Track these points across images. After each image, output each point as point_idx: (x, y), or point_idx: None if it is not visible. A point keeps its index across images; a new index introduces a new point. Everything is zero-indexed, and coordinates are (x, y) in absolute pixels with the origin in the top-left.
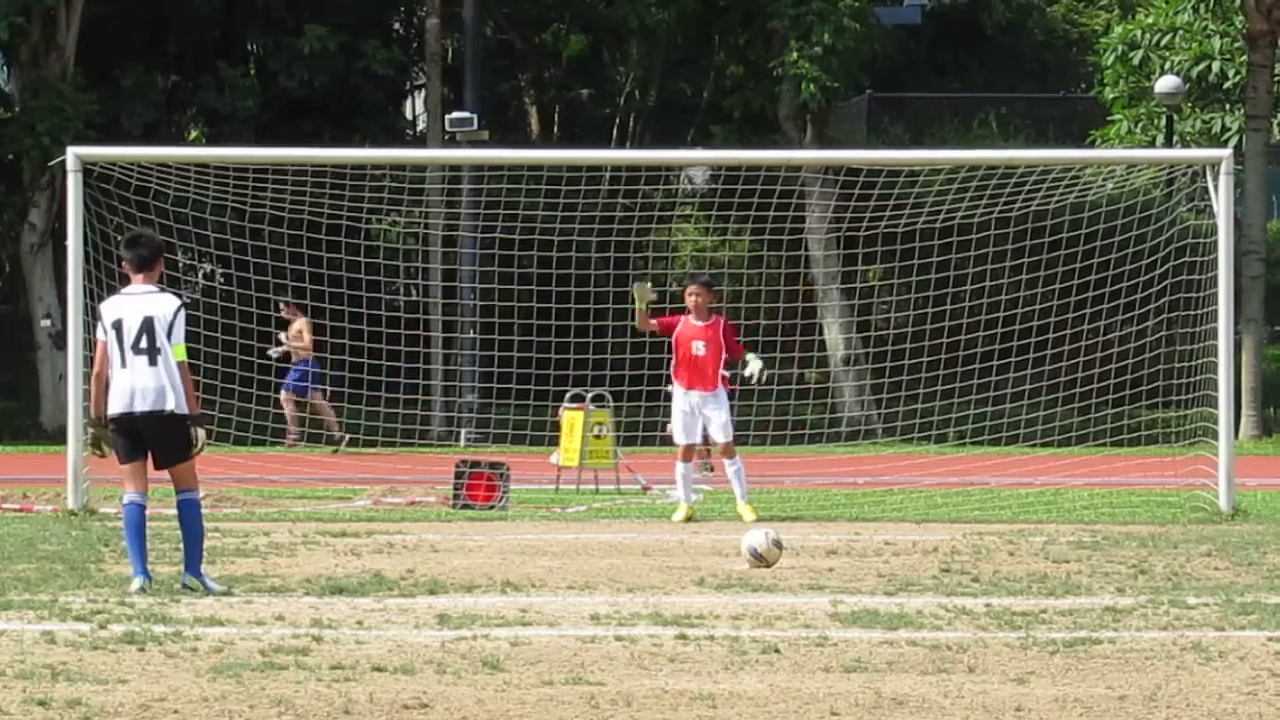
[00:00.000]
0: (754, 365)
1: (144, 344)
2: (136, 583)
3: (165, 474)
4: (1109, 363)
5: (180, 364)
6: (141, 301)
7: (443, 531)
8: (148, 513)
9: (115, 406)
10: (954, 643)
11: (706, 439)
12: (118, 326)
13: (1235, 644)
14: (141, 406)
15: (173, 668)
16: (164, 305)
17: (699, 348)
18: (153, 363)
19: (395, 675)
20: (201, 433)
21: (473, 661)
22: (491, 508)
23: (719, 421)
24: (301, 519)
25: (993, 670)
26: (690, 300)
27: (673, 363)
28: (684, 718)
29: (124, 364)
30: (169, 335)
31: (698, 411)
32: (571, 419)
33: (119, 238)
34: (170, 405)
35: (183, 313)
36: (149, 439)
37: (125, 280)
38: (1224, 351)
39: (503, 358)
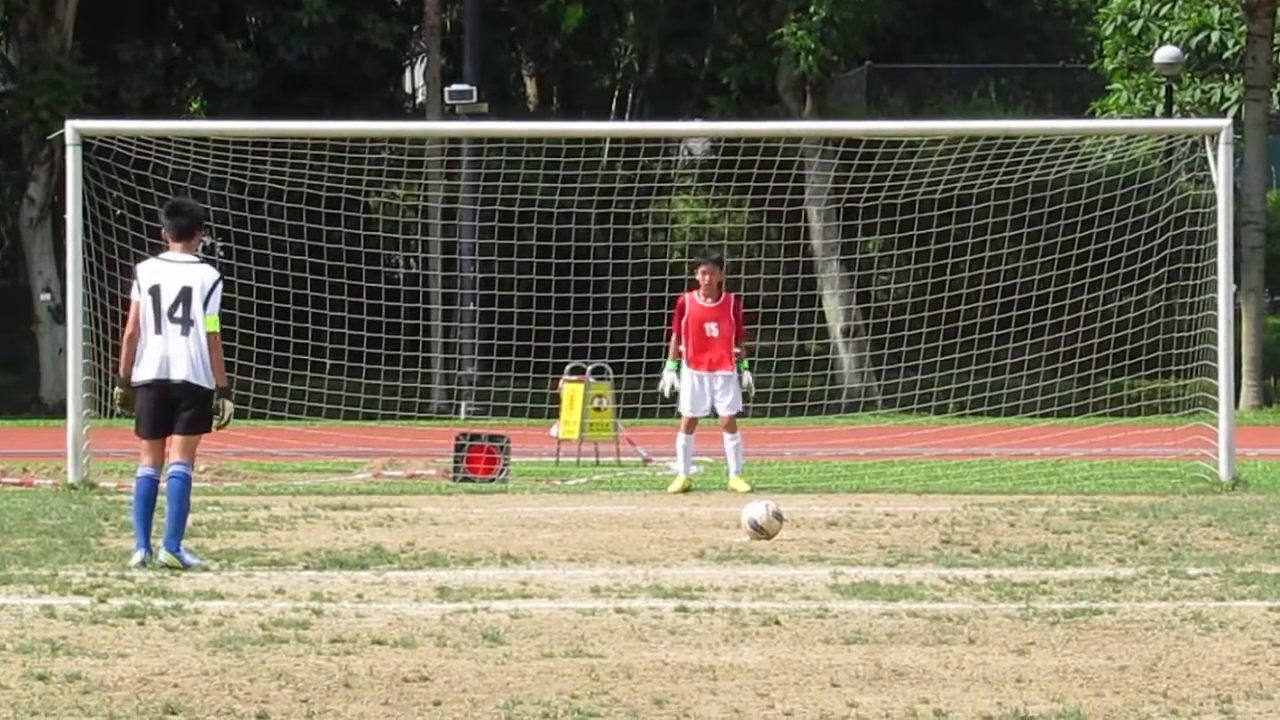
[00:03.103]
0: (746, 379)
1: (179, 313)
2: (138, 556)
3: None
4: (1109, 333)
5: (211, 335)
6: (181, 270)
7: (443, 504)
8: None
9: (145, 373)
10: (954, 614)
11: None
12: (155, 292)
13: (1235, 614)
14: (176, 375)
15: (172, 641)
16: (203, 276)
17: (712, 329)
18: (185, 333)
19: (395, 648)
20: (229, 405)
21: (473, 634)
22: (492, 480)
23: (728, 399)
24: (301, 492)
25: (993, 641)
26: (703, 279)
27: (684, 347)
28: (684, 690)
29: (158, 330)
30: (205, 306)
31: (709, 387)
32: (571, 391)
33: (119, 211)
34: (199, 378)
35: (220, 285)
36: (178, 407)
37: (156, 250)
38: (1224, 321)
39: (502, 330)
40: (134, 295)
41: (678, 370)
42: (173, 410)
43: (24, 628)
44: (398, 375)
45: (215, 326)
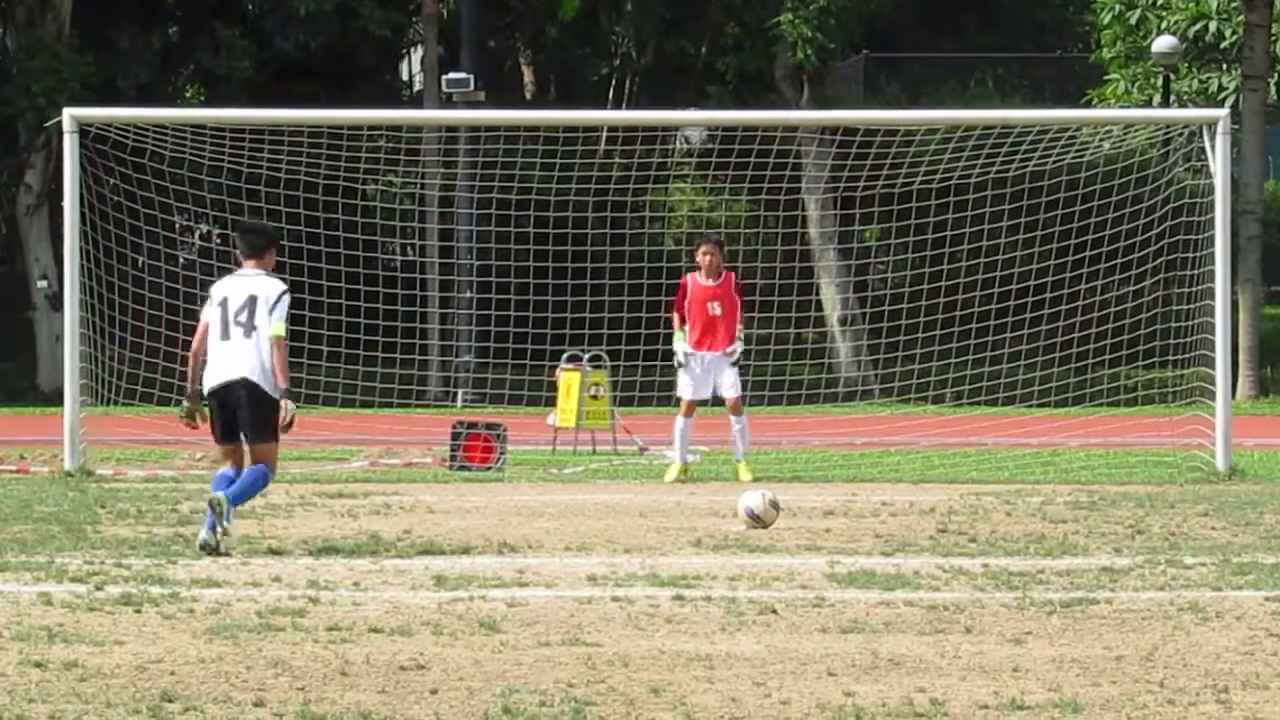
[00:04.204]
0: (737, 347)
1: (243, 318)
2: (202, 536)
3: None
4: (1106, 323)
5: (276, 339)
6: (249, 282)
7: (439, 493)
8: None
9: (212, 379)
10: (951, 603)
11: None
12: (224, 304)
13: (1232, 604)
14: (237, 374)
15: (169, 629)
16: (270, 287)
17: (715, 308)
18: (248, 335)
19: (392, 636)
20: (290, 406)
21: (469, 623)
22: (488, 469)
23: (730, 379)
24: (298, 480)
25: (990, 631)
26: (704, 259)
27: (687, 327)
28: (681, 678)
29: (225, 336)
30: (270, 313)
31: (710, 369)
32: (568, 380)
33: (115, 198)
34: (258, 378)
35: (287, 297)
36: (240, 410)
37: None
38: (1221, 311)
39: (499, 318)
40: (204, 312)
41: (685, 339)
42: (233, 416)
43: (21, 615)
44: (394, 363)
45: (281, 331)
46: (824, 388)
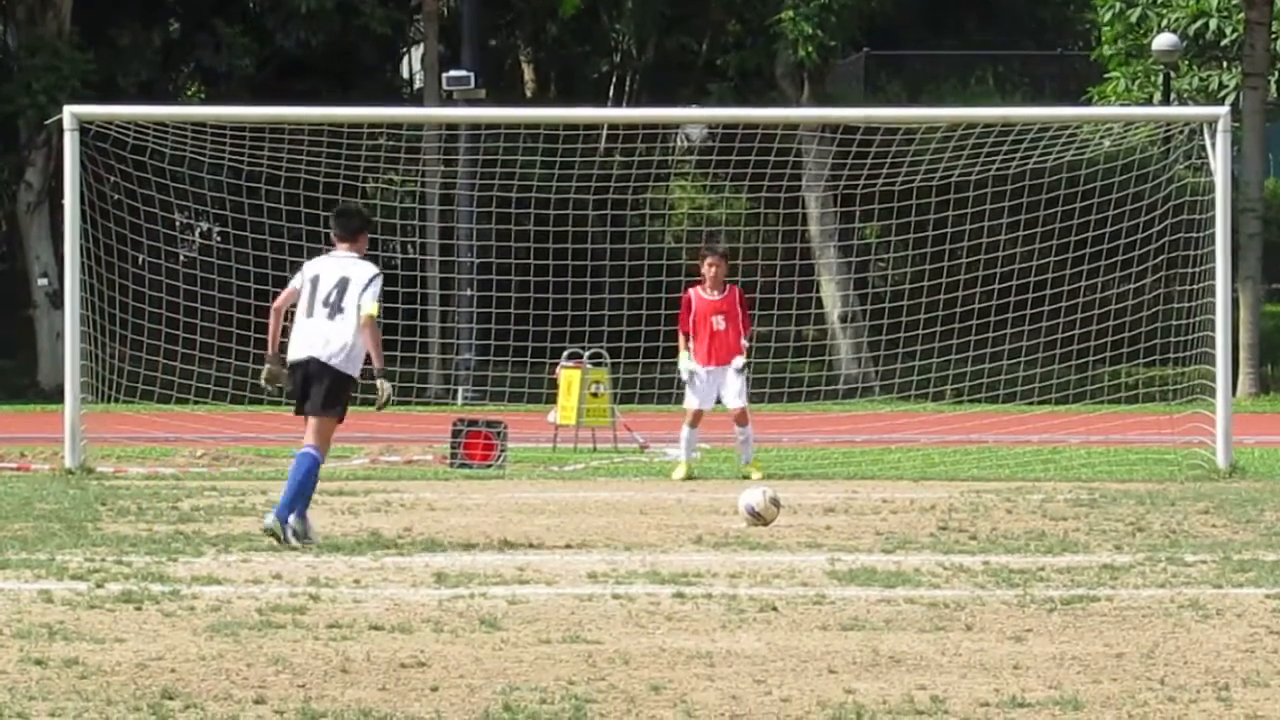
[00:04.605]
0: (739, 361)
1: (332, 299)
2: (267, 520)
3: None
4: (1107, 320)
5: (368, 319)
6: (343, 264)
7: (440, 490)
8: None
9: (294, 353)
10: (951, 600)
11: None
12: (315, 281)
13: (1233, 601)
14: (314, 353)
15: (170, 626)
16: (362, 271)
17: (719, 322)
18: (331, 318)
19: (393, 634)
20: (386, 385)
21: (470, 620)
22: (489, 466)
23: (735, 388)
24: None
25: (990, 628)
26: (709, 271)
27: (691, 343)
28: (681, 676)
29: (310, 314)
30: (360, 295)
31: (715, 380)
32: (569, 377)
33: (116, 196)
34: (337, 360)
35: (379, 280)
36: (311, 385)
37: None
38: (1221, 309)
39: (500, 316)
40: (293, 281)
41: (690, 359)
42: (310, 390)
43: (21, 612)
44: (395, 360)
45: (374, 312)
46: (824, 385)
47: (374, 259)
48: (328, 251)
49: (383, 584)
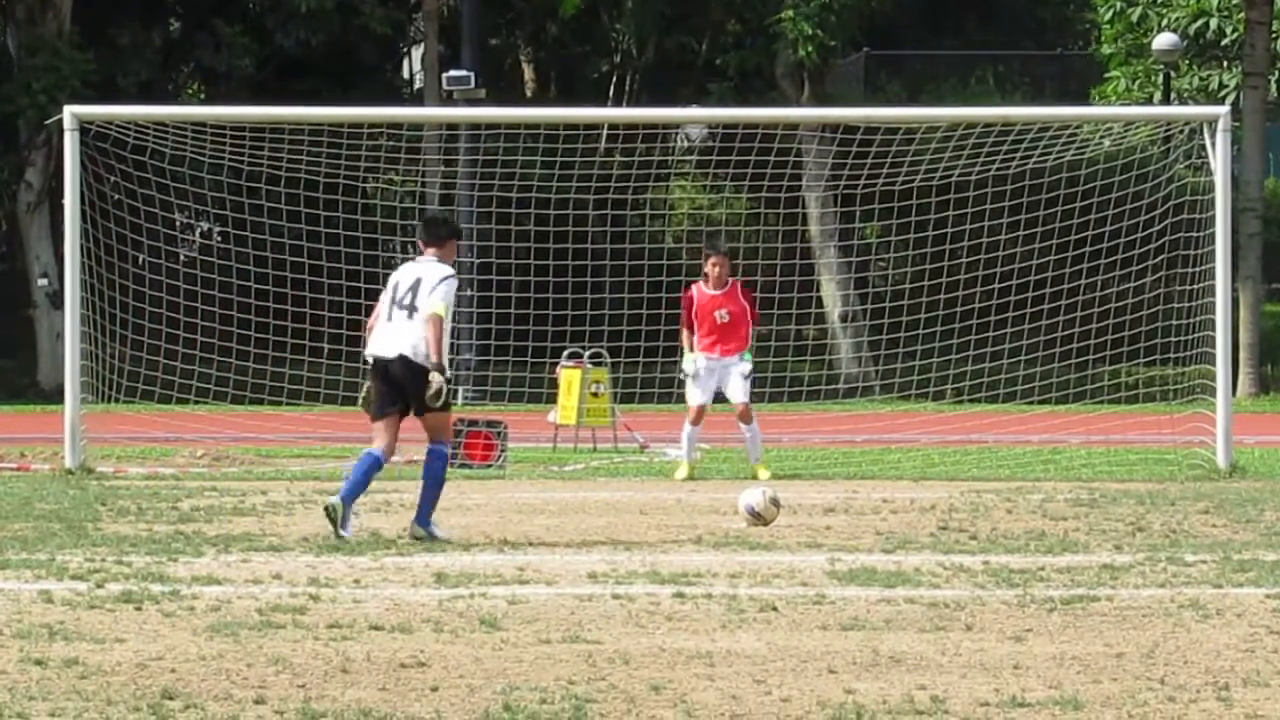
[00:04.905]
0: (745, 366)
1: (407, 300)
2: (333, 499)
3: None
4: (1107, 320)
5: (433, 316)
6: (420, 267)
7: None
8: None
9: (371, 350)
10: (951, 600)
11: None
12: (394, 288)
13: (1233, 601)
14: (393, 352)
15: (170, 627)
16: (435, 272)
17: (723, 315)
18: (410, 317)
19: (393, 634)
20: (437, 379)
21: (470, 620)
22: (489, 466)
23: (739, 383)
24: (299, 478)
25: (990, 628)
26: (712, 270)
27: (694, 338)
28: (681, 676)
29: (389, 317)
30: (429, 294)
31: (718, 371)
32: (569, 377)
33: (116, 196)
34: (418, 357)
35: (453, 281)
36: (404, 388)
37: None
38: (1221, 309)
39: (500, 316)
40: (384, 296)
41: (693, 358)
42: (395, 391)
43: (21, 612)
44: None
45: (439, 310)
46: (824, 385)
47: (455, 266)
48: (416, 258)
49: (383, 584)
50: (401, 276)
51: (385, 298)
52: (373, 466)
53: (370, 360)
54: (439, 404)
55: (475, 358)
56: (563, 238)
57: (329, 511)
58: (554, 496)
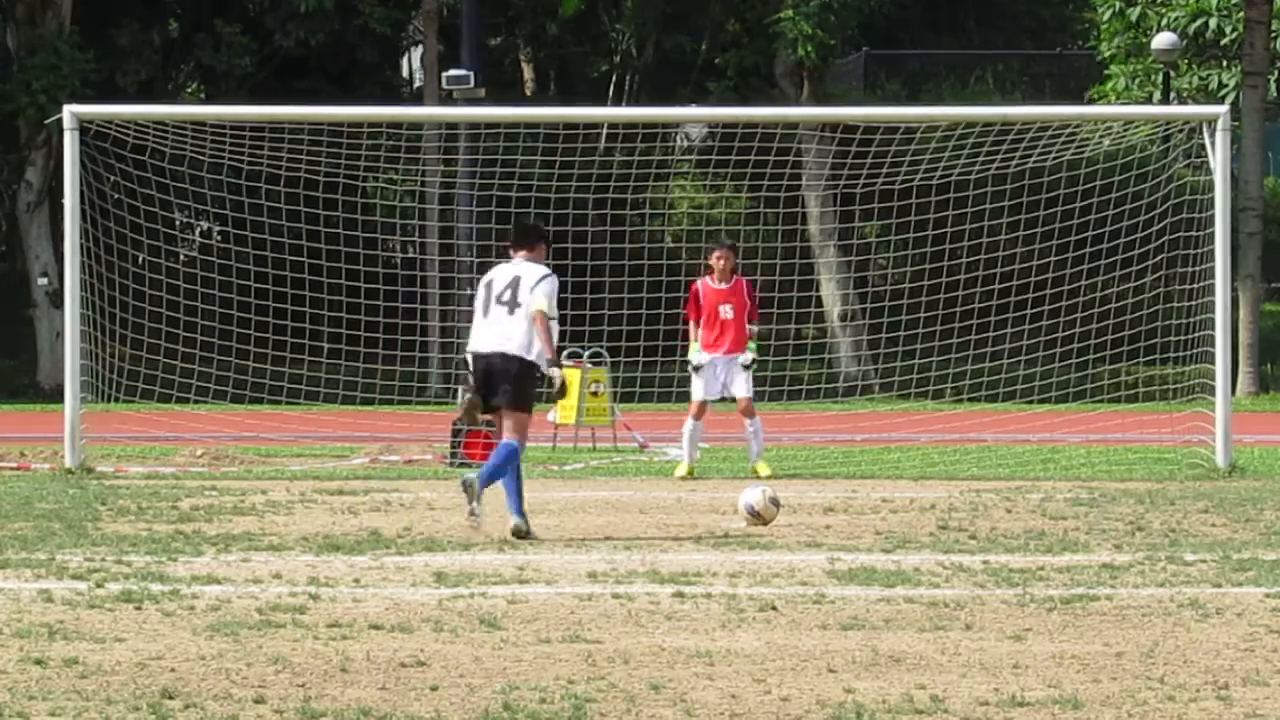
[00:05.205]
0: (748, 357)
1: (506, 297)
2: (513, 524)
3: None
4: (1106, 319)
5: (539, 314)
6: (516, 267)
7: (440, 489)
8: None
9: (470, 346)
10: (951, 600)
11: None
12: (488, 285)
13: (1233, 601)
14: (493, 347)
15: (170, 626)
16: (533, 271)
17: (727, 311)
18: (511, 313)
19: (392, 633)
20: (556, 373)
21: (470, 619)
22: None
23: (742, 381)
24: (298, 477)
25: (990, 627)
26: (718, 263)
27: (700, 331)
28: (681, 675)
29: (485, 314)
30: (531, 292)
31: (720, 369)
32: (568, 377)
33: (116, 195)
34: (517, 349)
35: (552, 280)
36: (496, 379)
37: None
38: (1221, 308)
39: None
40: (478, 296)
41: (700, 350)
42: (494, 386)
43: (21, 612)
44: (395, 360)
45: (544, 307)
46: (824, 384)
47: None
48: (507, 261)
49: (382, 584)
50: (496, 276)
51: (480, 296)
52: (510, 456)
53: (469, 358)
54: (560, 397)
55: None
56: (562, 237)
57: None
58: (553, 496)
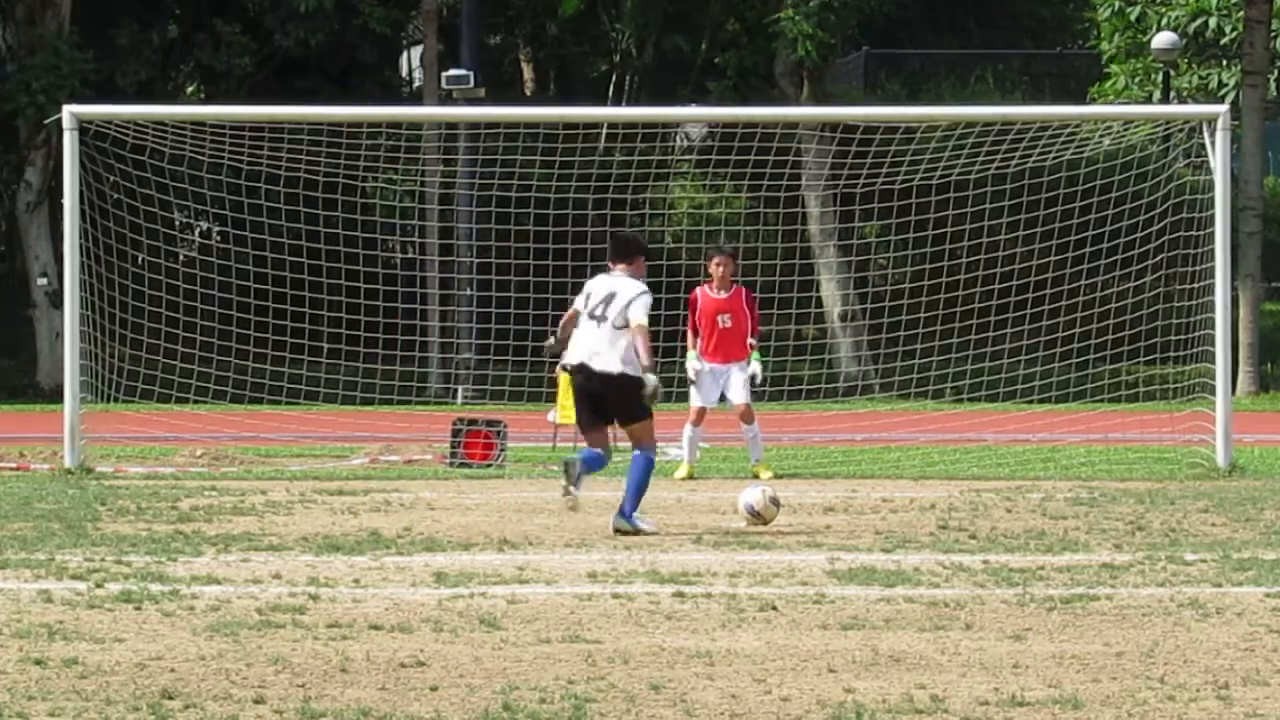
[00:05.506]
0: (755, 367)
1: (599, 311)
2: (569, 499)
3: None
4: (1106, 318)
5: (638, 327)
6: (613, 281)
7: (439, 490)
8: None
9: (570, 358)
10: (951, 600)
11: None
12: (588, 296)
13: (1232, 600)
14: (596, 365)
15: (169, 626)
16: (630, 287)
17: (725, 320)
18: (599, 327)
19: (392, 633)
20: (651, 380)
21: (470, 619)
22: (488, 466)
23: (739, 383)
24: (298, 477)
25: (990, 627)
26: (716, 270)
27: (698, 341)
28: (681, 675)
29: (582, 326)
30: (627, 308)
31: (717, 375)
32: (568, 377)
33: (115, 195)
34: (608, 366)
35: (648, 297)
36: (606, 398)
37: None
38: (1221, 307)
39: (500, 315)
40: (575, 302)
41: (697, 358)
42: (598, 401)
43: (21, 612)
44: (395, 360)
45: (642, 320)
46: (824, 384)
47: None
48: (607, 272)
49: (382, 584)
50: (595, 287)
51: (580, 304)
52: (648, 467)
53: (571, 365)
54: (655, 404)
55: (475, 356)
56: (562, 237)
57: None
58: (553, 496)
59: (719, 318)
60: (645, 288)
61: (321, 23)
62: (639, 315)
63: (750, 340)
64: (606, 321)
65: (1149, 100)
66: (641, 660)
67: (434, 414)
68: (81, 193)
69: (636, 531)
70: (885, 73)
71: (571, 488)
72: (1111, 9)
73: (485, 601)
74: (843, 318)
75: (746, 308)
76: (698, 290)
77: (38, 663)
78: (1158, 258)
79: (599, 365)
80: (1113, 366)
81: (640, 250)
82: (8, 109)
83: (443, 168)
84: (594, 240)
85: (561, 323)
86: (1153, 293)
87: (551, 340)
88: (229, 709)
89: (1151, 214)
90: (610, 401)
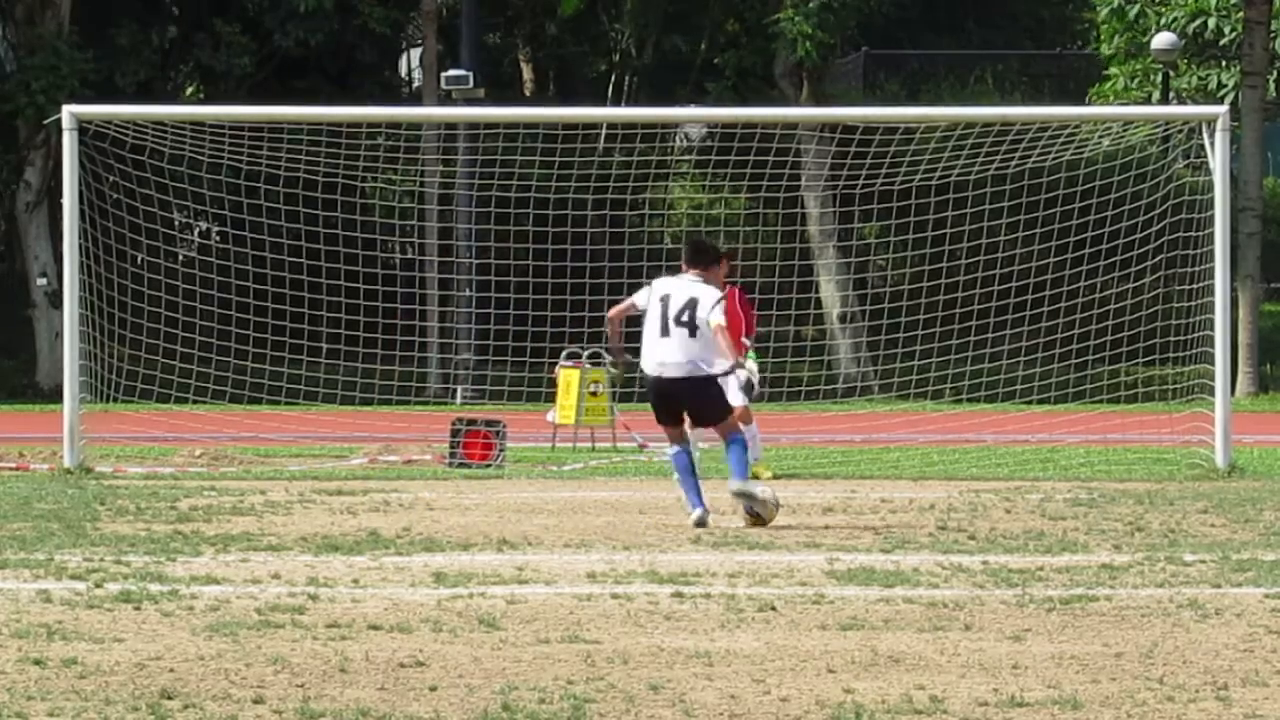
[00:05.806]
0: (751, 366)
1: (685, 318)
2: (695, 514)
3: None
4: (1106, 319)
5: (719, 327)
6: (691, 286)
7: (439, 490)
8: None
9: (648, 366)
10: (950, 600)
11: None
12: (665, 300)
13: (1232, 601)
14: (677, 373)
15: (169, 626)
16: (708, 293)
17: None
18: (692, 335)
19: (391, 633)
20: (741, 371)
21: (469, 620)
22: (488, 466)
23: (734, 385)
24: (297, 477)
25: (989, 628)
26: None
27: None
28: (680, 675)
29: (665, 333)
30: (709, 311)
31: None
32: (568, 377)
33: (115, 195)
34: (700, 370)
35: (723, 301)
36: (685, 403)
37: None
38: (1220, 308)
39: (499, 315)
40: (639, 297)
41: None
42: (677, 404)
43: (20, 612)
44: (394, 360)
45: (722, 321)
46: (824, 384)
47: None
48: (680, 274)
49: (381, 584)
50: (672, 291)
51: (656, 311)
52: (685, 460)
53: (651, 375)
54: (750, 392)
55: (474, 357)
56: (561, 238)
57: (739, 495)
58: (553, 496)
59: None
60: (721, 295)
61: (321, 23)
62: (719, 318)
63: (745, 340)
64: (696, 328)
65: (1148, 101)
66: (640, 660)
67: (433, 414)
68: (81, 193)
69: (752, 495)
70: (885, 73)
71: (754, 495)
72: (1111, 9)
73: (484, 602)
74: (842, 318)
75: (741, 309)
76: None
77: (37, 663)
78: (1157, 258)
79: (682, 373)
80: (1112, 367)
81: (718, 257)
82: (7, 109)
83: (442, 168)
84: (593, 241)
85: (611, 317)
86: (1152, 293)
87: (610, 359)
88: (228, 709)
89: (1151, 215)
90: (696, 409)
